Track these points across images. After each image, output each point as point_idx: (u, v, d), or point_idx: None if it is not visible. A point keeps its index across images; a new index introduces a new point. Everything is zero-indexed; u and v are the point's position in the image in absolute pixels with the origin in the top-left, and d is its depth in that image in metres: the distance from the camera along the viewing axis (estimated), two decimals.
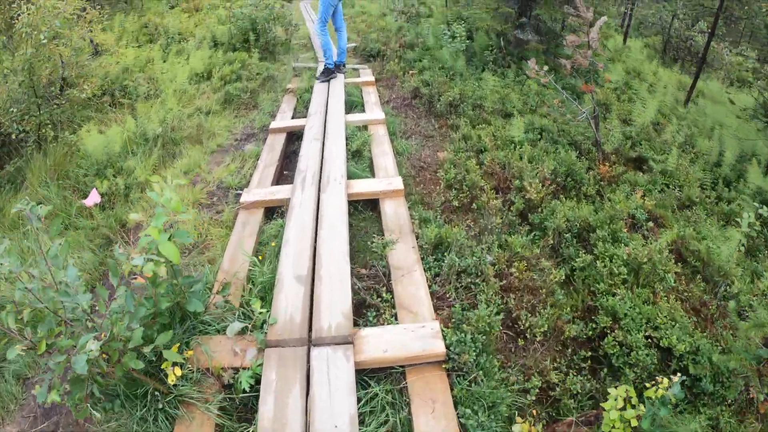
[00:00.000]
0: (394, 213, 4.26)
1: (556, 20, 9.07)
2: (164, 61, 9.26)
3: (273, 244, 3.92)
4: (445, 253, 3.82)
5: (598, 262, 3.89)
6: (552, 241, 4.22)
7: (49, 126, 6.41)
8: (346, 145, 5.37)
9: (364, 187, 4.54)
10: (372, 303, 3.46)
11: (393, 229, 4.05)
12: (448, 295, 3.61)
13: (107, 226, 4.82)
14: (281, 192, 4.55)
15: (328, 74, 7.44)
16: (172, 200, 2.63)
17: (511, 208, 4.56)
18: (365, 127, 6.01)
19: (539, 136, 5.91)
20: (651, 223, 4.63)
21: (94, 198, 5.11)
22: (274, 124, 6.14)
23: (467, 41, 8.42)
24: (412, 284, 3.50)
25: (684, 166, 5.49)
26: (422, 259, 3.81)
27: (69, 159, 6.04)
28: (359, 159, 5.30)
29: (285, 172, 5.56)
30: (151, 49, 9.92)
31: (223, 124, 6.78)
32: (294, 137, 6.17)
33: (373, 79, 7.68)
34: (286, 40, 10.25)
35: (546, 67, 5.42)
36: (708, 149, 6.31)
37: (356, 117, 6.11)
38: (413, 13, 13.89)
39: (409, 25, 12.27)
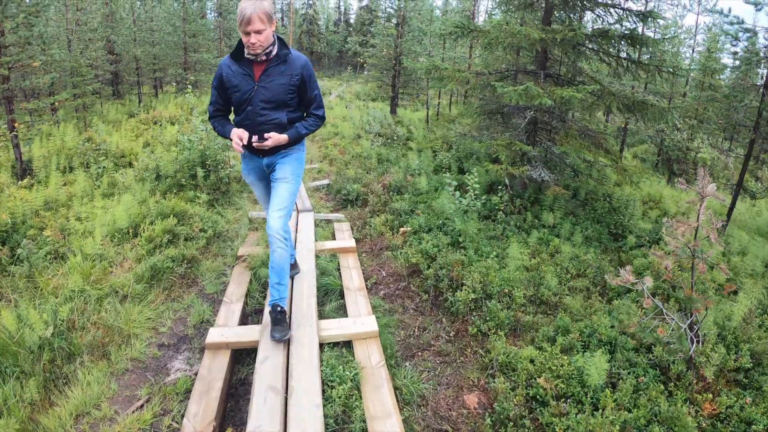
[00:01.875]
0: None
1: (585, 160, 7.61)
2: (90, 200, 7.32)
3: None
4: None
5: None
6: None
7: None
8: (324, 395, 3.38)
9: None
10: None
11: None
12: None
13: None
14: None
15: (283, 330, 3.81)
16: None
17: None
18: (348, 345, 4.05)
19: (608, 353, 4.04)
20: None
21: None
22: (213, 334, 4.10)
23: (473, 183, 6.76)
24: None
25: None
26: None
27: None
28: (345, 427, 3.27)
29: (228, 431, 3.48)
30: (77, 180, 7.99)
31: (144, 317, 4.73)
32: (244, 355, 4.15)
33: (353, 243, 5.81)
34: None
35: (651, 281, 3.62)
36: None
37: (336, 329, 4.11)
38: (391, 136, 12.52)
39: (388, 151, 10.79)
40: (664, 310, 3.91)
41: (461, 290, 4.62)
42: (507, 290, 4.82)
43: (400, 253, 5.53)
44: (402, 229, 6.14)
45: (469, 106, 6.93)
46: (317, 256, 5.46)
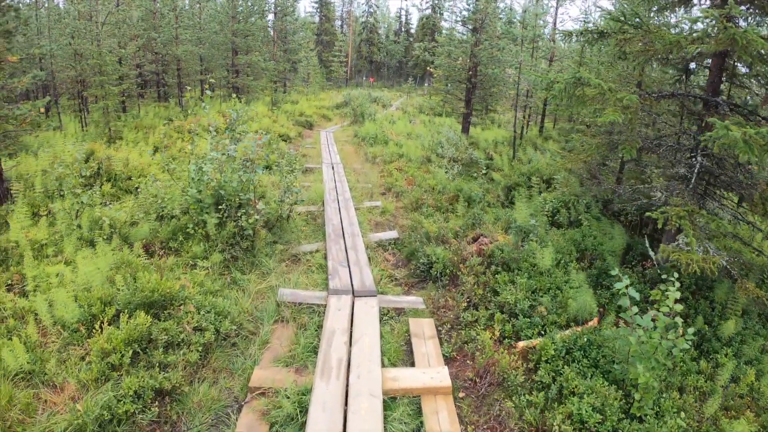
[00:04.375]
0: None
1: None
2: (58, 251, 5.09)
3: None
4: None
5: None
6: None
7: None
8: None
9: None
10: None
11: None
12: None
13: None
14: None
15: None
16: None
17: None
18: None
19: None
20: None
21: None
22: None
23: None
24: None
25: None
26: None
27: None
28: None
29: None
30: (55, 215, 5.84)
31: None
32: None
33: (446, 378, 3.40)
34: (280, 217, 6.12)
35: None
36: None
37: None
38: (469, 163, 10.10)
39: (469, 184, 8.40)
40: None
41: None
42: None
43: (526, 400, 3.12)
44: (520, 344, 3.72)
45: (627, 142, 4.47)
46: (386, 402, 3.11)
